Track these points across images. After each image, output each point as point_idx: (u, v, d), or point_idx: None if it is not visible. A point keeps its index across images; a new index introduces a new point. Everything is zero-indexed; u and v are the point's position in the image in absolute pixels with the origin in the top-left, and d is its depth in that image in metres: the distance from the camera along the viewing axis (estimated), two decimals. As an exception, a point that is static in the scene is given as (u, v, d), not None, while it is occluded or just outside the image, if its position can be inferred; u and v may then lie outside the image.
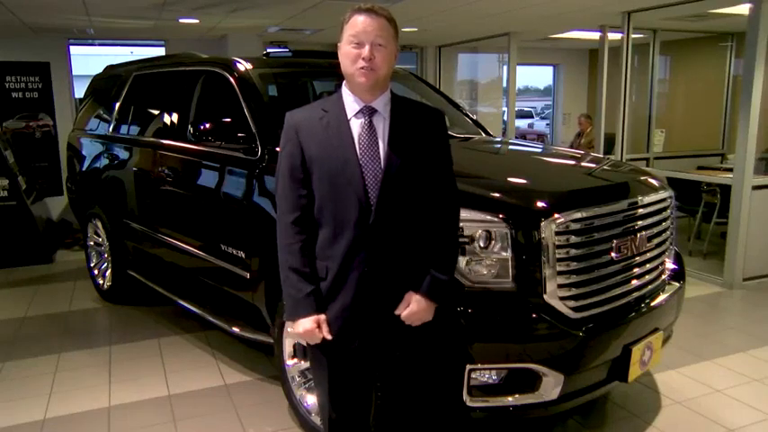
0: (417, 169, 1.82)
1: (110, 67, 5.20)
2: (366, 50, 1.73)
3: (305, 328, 1.81)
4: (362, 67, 1.74)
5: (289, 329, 2.79)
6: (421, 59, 9.89)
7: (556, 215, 2.35)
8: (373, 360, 1.91)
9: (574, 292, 2.38)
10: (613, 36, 6.77)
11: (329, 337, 1.81)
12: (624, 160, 6.14)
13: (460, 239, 2.24)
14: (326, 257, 1.81)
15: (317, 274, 1.84)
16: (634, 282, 2.61)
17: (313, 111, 1.88)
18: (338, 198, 1.78)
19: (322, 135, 1.81)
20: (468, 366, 2.29)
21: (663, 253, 2.83)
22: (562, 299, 2.35)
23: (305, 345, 1.87)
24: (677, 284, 2.93)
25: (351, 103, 1.83)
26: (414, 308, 1.82)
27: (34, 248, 6.03)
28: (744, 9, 5.02)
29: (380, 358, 1.91)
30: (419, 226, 1.85)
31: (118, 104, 4.62)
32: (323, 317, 1.82)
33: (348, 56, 1.77)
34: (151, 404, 3.19)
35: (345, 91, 1.85)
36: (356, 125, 1.81)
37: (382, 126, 1.81)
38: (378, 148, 1.79)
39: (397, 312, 1.82)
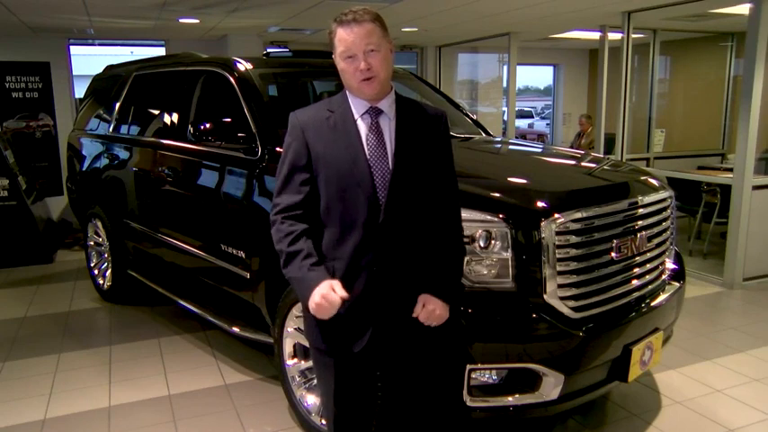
0: (424, 168, 1.82)
1: (110, 67, 5.21)
2: (362, 63, 1.73)
3: (321, 292, 1.70)
4: (363, 79, 1.75)
5: (287, 330, 2.80)
6: (421, 59, 9.89)
7: (556, 215, 2.35)
8: (379, 360, 1.90)
9: (574, 292, 2.38)
10: (613, 36, 6.77)
11: (345, 294, 1.72)
12: (624, 160, 6.14)
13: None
14: (333, 258, 1.81)
15: (322, 259, 1.80)
16: (634, 282, 2.61)
17: (318, 111, 1.87)
18: (346, 198, 1.77)
19: (329, 135, 1.81)
20: (469, 366, 2.29)
21: (663, 253, 2.83)
22: (562, 299, 2.35)
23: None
24: (677, 284, 2.93)
25: (357, 104, 1.83)
26: (430, 307, 1.79)
27: (34, 248, 6.03)
28: (744, 9, 5.02)
29: (386, 358, 1.90)
30: (425, 224, 1.85)
31: (118, 104, 4.62)
32: (336, 281, 1.74)
33: (346, 71, 1.78)
34: (151, 404, 3.19)
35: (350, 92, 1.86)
36: (363, 126, 1.81)
37: (388, 126, 1.82)
38: (385, 147, 1.79)
39: (414, 315, 1.79)
